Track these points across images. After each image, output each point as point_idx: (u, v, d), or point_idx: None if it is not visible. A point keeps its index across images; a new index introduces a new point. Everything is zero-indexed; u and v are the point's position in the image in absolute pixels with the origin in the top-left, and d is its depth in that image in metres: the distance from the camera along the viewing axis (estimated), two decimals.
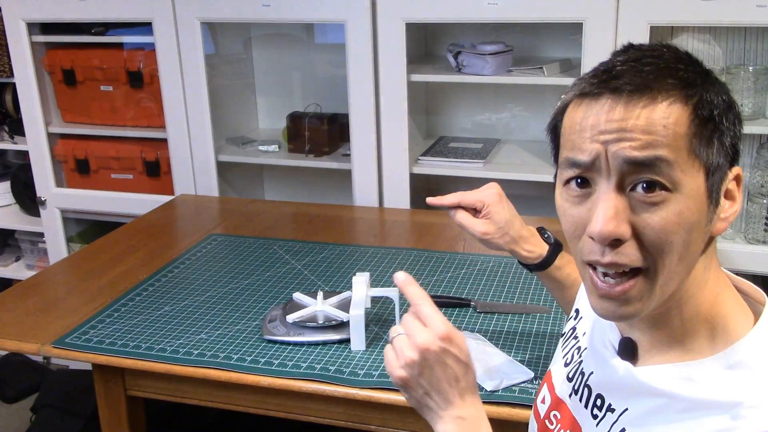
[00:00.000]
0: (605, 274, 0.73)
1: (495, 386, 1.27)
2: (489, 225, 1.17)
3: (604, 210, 0.70)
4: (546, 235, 1.22)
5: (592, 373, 0.85)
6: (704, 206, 0.71)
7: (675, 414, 0.73)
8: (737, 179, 0.75)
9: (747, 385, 0.70)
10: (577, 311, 1.00)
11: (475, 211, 1.19)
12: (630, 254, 0.71)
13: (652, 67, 0.70)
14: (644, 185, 0.69)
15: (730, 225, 2.06)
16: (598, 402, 0.82)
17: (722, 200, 0.74)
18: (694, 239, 0.71)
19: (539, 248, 1.19)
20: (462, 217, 1.18)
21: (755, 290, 0.80)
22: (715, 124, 0.70)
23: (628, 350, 0.80)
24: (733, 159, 0.74)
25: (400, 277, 0.89)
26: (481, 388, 1.26)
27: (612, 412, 0.80)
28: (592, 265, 0.74)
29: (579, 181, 0.74)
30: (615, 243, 0.70)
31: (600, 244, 0.71)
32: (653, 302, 0.74)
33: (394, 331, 0.87)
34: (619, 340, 0.82)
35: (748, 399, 0.69)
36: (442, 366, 0.83)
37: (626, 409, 0.78)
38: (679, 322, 0.76)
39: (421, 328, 0.84)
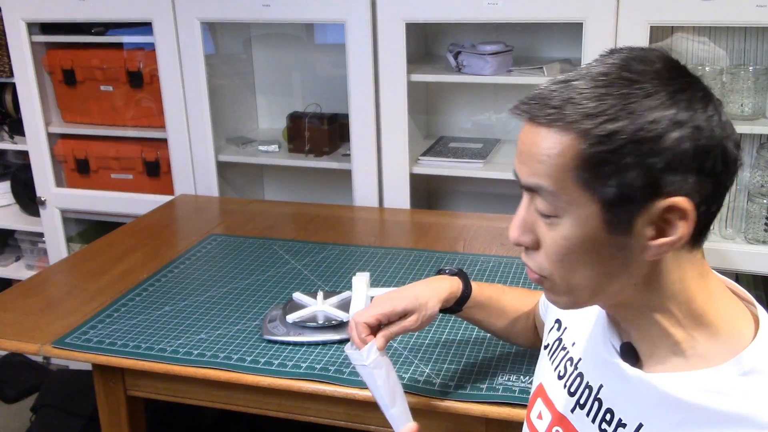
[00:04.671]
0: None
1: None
2: (415, 314, 1.12)
3: (514, 219, 0.78)
4: (446, 271, 1.21)
5: (602, 386, 0.83)
6: (602, 235, 0.71)
7: (697, 427, 0.71)
8: (675, 211, 0.69)
9: (764, 392, 0.69)
10: (558, 321, 0.99)
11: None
12: (536, 260, 0.78)
13: (561, 95, 0.71)
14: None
15: (730, 225, 2.08)
16: (608, 416, 0.81)
17: (642, 230, 0.70)
18: (600, 261, 0.73)
19: (455, 287, 1.18)
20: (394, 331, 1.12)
21: (742, 291, 0.80)
22: (612, 159, 0.68)
23: (631, 355, 0.79)
24: (655, 191, 0.68)
25: None
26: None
27: (623, 428, 0.78)
28: None
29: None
30: (526, 248, 0.79)
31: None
32: (571, 302, 0.79)
33: None
34: (621, 345, 0.81)
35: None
36: None
37: (641, 425, 0.76)
38: (671, 329, 0.75)
39: None
